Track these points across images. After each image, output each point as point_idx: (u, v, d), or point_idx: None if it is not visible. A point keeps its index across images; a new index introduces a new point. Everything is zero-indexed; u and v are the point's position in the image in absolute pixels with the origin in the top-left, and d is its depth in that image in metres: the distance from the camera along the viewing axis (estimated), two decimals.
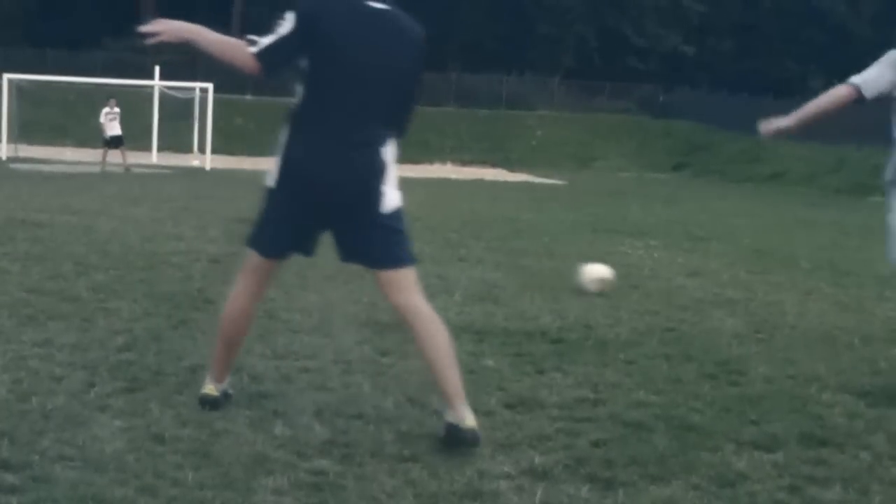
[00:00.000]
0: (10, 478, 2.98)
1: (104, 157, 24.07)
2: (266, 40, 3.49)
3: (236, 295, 3.84)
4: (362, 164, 3.52)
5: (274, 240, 3.70)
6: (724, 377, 4.66)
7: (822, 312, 6.65)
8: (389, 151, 3.58)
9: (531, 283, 7.45)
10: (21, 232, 9.26)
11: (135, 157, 25.08)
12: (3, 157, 27.08)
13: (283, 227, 3.66)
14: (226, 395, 3.88)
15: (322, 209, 3.56)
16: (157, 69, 30.50)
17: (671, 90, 50.47)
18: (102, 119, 24.44)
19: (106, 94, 25.93)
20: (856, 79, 4.67)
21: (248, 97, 46.59)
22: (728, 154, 36.87)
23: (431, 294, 6.23)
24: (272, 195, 3.62)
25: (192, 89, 32.96)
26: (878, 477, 3.35)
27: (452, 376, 3.47)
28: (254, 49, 3.49)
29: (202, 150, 29.47)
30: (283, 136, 3.58)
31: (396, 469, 3.21)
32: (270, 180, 3.61)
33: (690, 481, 3.20)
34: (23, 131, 30.89)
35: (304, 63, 3.52)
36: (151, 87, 31.38)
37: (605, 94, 50.55)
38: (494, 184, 25.46)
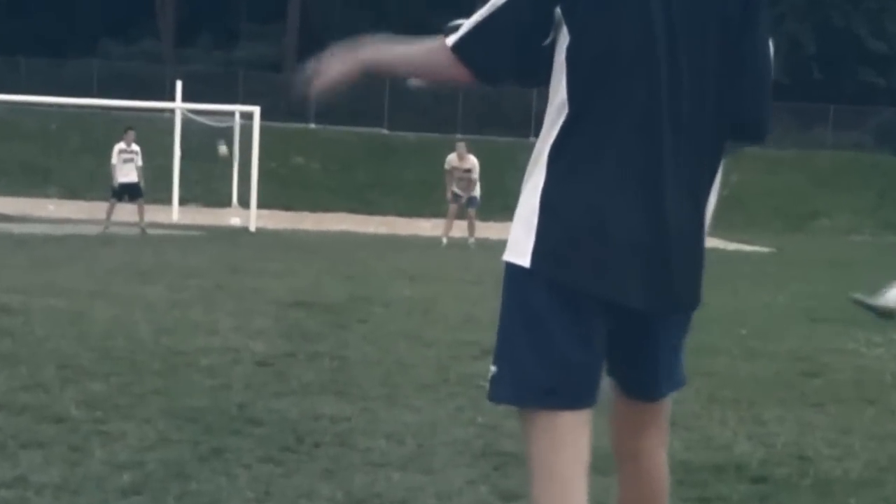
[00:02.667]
0: None
1: (110, 212, 24.46)
2: (468, 23, 3.05)
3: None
4: (688, 224, 3.07)
5: (555, 370, 3.01)
6: None
7: None
8: (716, 188, 3.16)
9: (722, 396, 7.44)
10: None
11: (149, 213, 25.44)
12: None
13: (562, 341, 3.00)
14: None
15: (617, 304, 3.03)
16: (178, 85, 30.96)
17: None
18: (114, 159, 24.52)
19: (109, 122, 26.08)
20: None
21: (313, 126, 47.41)
22: None
23: None
24: (527, 285, 3.04)
25: (230, 114, 33.39)
26: None
27: None
28: (449, 41, 3.05)
29: (244, 202, 29.90)
30: (535, 178, 3.06)
31: None
32: (518, 255, 3.04)
33: None
34: None
35: (557, 52, 3.02)
36: (171, 111, 31.92)
37: (827, 122, 49.82)
38: None
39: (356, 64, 3.17)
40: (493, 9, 2.99)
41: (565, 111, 2.99)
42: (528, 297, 3.02)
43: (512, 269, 3.04)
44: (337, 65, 3.18)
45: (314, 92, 3.21)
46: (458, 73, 3.06)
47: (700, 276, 3.13)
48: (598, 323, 3.01)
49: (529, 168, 3.07)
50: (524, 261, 3.01)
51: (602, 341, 3.05)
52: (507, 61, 3.03)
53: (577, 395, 3.02)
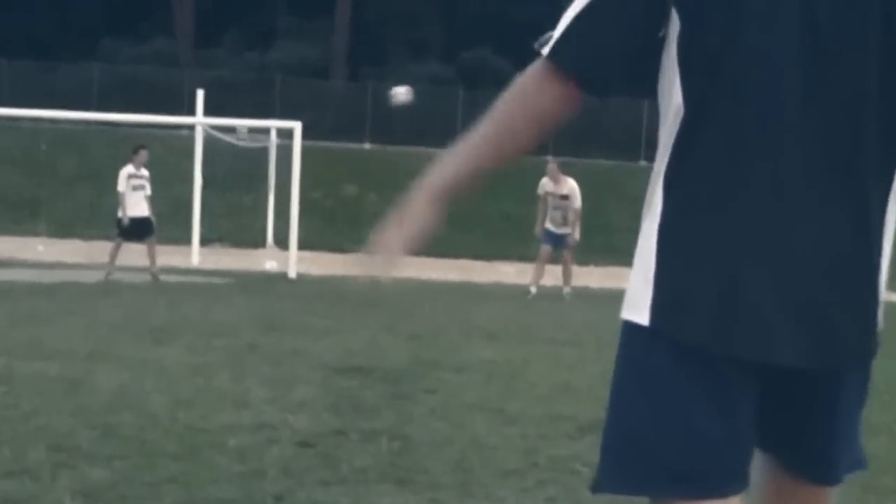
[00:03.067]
0: None
1: (114, 254, 24.38)
2: (562, 22, 3.03)
3: None
4: (850, 250, 3.02)
5: (688, 448, 2.98)
6: None
7: None
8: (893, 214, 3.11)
9: (881, 484, 7.43)
10: None
11: (163, 255, 25.51)
12: None
13: (694, 412, 2.98)
14: None
15: (767, 368, 3.00)
16: (199, 95, 31.09)
17: None
18: (122, 186, 24.21)
19: (113, 141, 25.55)
20: None
21: (368, 146, 47.54)
22: None
23: None
24: (647, 347, 3.04)
25: (265, 132, 33.52)
26: None
27: None
28: (545, 50, 3.04)
29: (282, 241, 30.07)
30: (652, 212, 3.06)
31: None
32: (636, 310, 3.06)
33: None
34: None
35: (667, 45, 3.00)
36: (190, 127, 32.10)
37: None
38: None
39: (426, 198, 3.13)
40: (581, 10, 2.99)
41: (681, 118, 2.97)
42: (649, 361, 3.00)
43: (629, 328, 3.04)
44: (402, 218, 3.14)
45: (385, 269, 3.15)
46: (560, 91, 3.03)
47: (873, 316, 3.07)
48: (740, 387, 2.98)
49: (647, 199, 3.05)
50: (642, 317, 3.01)
51: (749, 409, 3.00)
52: (617, 61, 3.02)
53: (719, 479, 2.98)
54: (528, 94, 3.07)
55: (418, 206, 3.14)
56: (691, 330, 2.95)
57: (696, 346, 2.94)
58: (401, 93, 29.20)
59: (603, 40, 2.97)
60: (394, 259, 3.13)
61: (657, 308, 2.98)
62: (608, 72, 3.04)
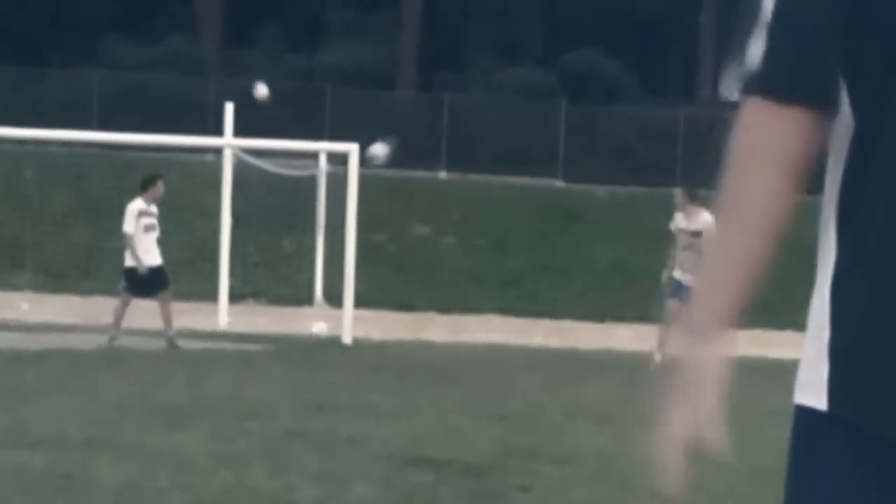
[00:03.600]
0: None
1: (121, 311, 24.39)
2: (761, 43, 2.98)
3: None
4: None
5: None
6: None
7: None
8: None
9: None
10: None
11: (182, 314, 25.77)
12: None
13: None
14: None
15: None
16: (228, 109, 31.09)
17: None
18: (130, 226, 24.23)
19: (119, 167, 25.39)
20: None
21: (444, 175, 47.60)
22: None
23: None
24: (824, 440, 3.02)
25: (312, 157, 33.77)
26: None
27: None
28: (750, 87, 2.99)
29: (333, 297, 30.28)
30: (824, 260, 3.02)
31: None
32: (809, 391, 3.02)
33: None
34: None
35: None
36: (215, 150, 32.51)
37: None
38: None
39: (707, 350, 2.99)
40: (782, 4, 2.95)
41: (851, 133, 2.94)
42: (827, 457, 2.97)
43: (802, 414, 3.00)
44: (686, 396, 3.01)
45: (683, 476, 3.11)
46: (795, 125, 2.92)
47: None
48: None
49: (820, 244, 3.00)
50: (818, 400, 2.94)
51: None
52: (832, 61, 2.94)
53: None
54: (763, 156, 2.96)
55: (704, 364, 3.01)
56: (879, 414, 2.88)
57: (886, 436, 2.88)
58: (378, 150, 28.89)
59: (809, 43, 2.93)
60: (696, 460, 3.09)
61: (835, 387, 2.91)
62: (832, 74, 2.94)
